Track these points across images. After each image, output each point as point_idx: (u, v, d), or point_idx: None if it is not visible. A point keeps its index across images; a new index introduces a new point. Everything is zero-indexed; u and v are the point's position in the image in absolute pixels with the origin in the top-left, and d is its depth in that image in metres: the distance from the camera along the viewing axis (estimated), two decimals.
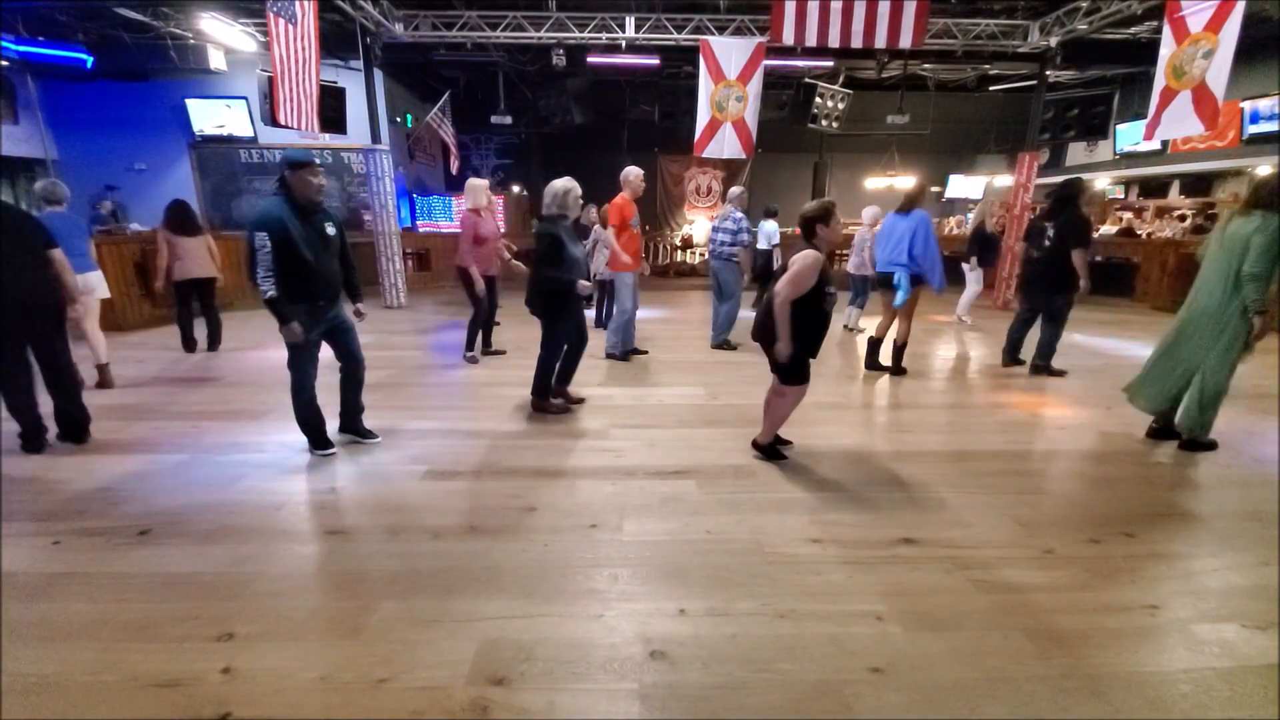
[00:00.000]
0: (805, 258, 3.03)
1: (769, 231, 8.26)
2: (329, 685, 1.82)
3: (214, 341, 6.13)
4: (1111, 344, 6.66)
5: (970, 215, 15.22)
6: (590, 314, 7.64)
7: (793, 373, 3.24)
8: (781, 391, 3.35)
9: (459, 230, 5.50)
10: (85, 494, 3.02)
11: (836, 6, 7.98)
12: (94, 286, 4.74)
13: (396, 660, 1.91)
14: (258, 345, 6.42)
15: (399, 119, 12.60)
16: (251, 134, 11.42)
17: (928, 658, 1.95)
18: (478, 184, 5.39)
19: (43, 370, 3.55)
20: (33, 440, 3.56)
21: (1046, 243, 5.02)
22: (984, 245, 7.63)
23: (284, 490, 3.09)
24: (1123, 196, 14.00)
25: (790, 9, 8.02)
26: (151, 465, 3.36)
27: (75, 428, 3.69)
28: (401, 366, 5.57)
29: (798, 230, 3.26)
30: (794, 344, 3.11)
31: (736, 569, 2.43)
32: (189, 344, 6.05)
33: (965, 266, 7.67)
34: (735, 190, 6.42)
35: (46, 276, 3.48)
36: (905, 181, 14.89)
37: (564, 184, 3.93)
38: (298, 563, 2.45)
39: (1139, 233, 11.05)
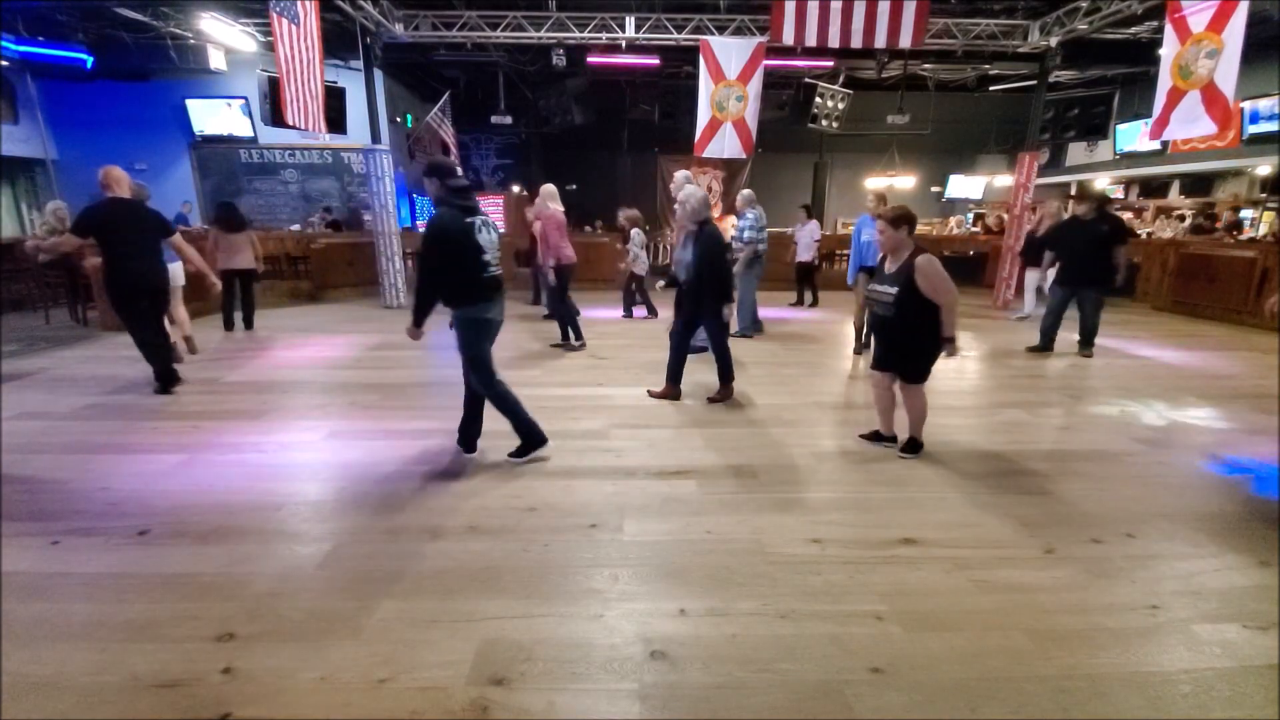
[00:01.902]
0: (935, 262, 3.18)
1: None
2: (329, 685, 1.82)
3: (248, 323, 7.10)
4: (1113, 343, 6.66)
5: (969, 215, 15.21)
6: (618, 313, 7.78)
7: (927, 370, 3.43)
8: (917, 393, 3.51)
9: (548, 228, 5.98)
10: (84, 494, 3.02)
11: (836, 6, 7.98)
12: (176, 275, 5.38)
13: (396, 660, 1.91)
14: (259, 346, 6.43)
15: (399, 119, 12.60)
16: (251, 134, 11.42)
17: (928, 658, 1.95)
18: (553, 188, 6.17)
19: (137, 333, 4.53)
20: (168, 381, 4.61)
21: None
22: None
23: (283, 490, 3.09)
24: (1123, 196, 14.00)
25: (790, 9, 8.01)
26: (151, 465, 3.36)
27: (167, 378, 4.65)
28: (402, 366, 5.57)
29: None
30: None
31: (737, 569, 2.42)
32: (228, 324, 7.04)
33: (1037, 273, 7.50)
34: (750, 193, 6.69)
35: (160, 261, 4.58)
36: (906, 181, 14.91)
37: (704, 191, 4.25)
38: (298, 563, 2.45)
39: (1139, 233, 11.05)
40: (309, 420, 4.11)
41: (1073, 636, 2.05)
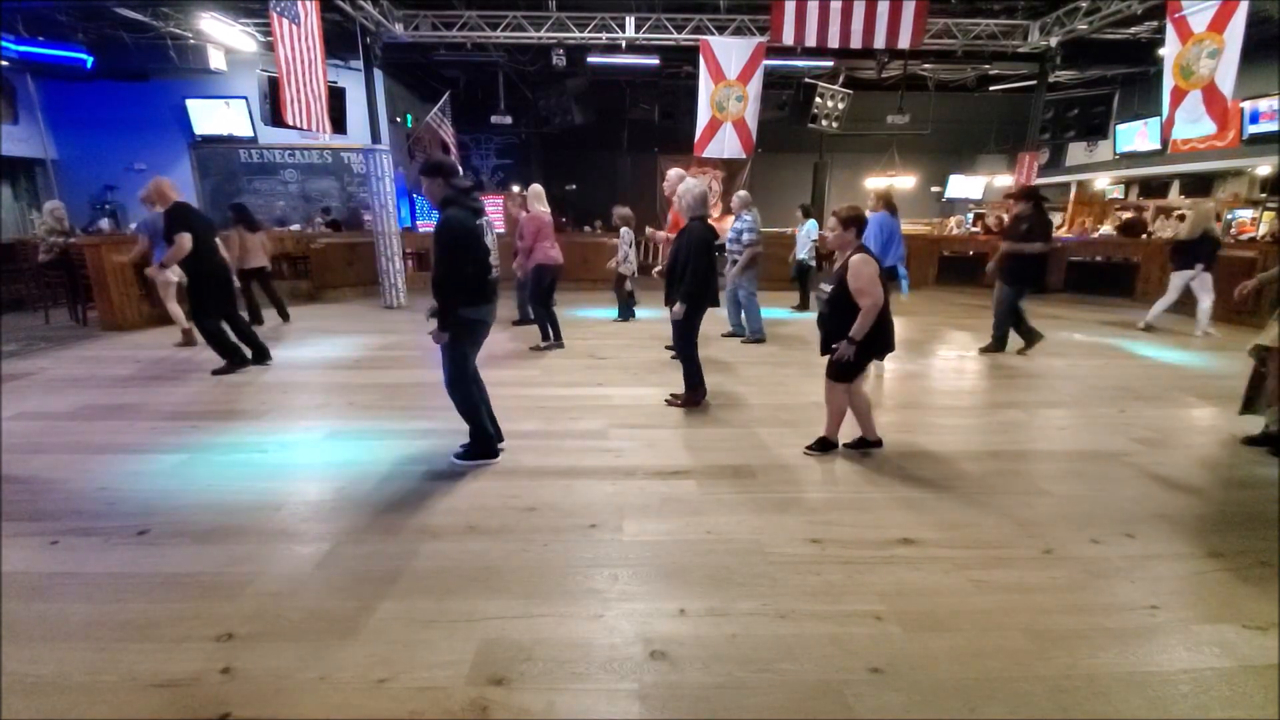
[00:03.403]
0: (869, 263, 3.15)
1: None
2: (328, 685, 1.82)
3: (284, 314, 7.58)
4: (1114, 343, 6.66)
5: (969, 215, 15.18)
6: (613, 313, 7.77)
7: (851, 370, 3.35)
8: (838, 392, 3.43)
9: (527, 228, 5.98)
10: (83, 493, 3.02)
11: (836, 6, 7.99)
12: (172, 272, 5.73)
13: (396, 660, 1.91)
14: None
15: (399, 119, 12.60)
16: (251, 134, 11.42)
17: (927, 658, 1.95)
18: (540, 190, 6.17)
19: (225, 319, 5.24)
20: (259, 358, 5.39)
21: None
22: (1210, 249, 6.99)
23: (283, 490, 3.09)
24: (1123, 197, 14.01)
25: (790, 9, 8.03)
26: (150, 465, 3.36)
27: (262, 351, 5.43)
28: (402, 366, 5.57)
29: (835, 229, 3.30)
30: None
31: (736, 569, 2.42)
32: (258, 319, 7.30)
33: (1185, 275, 6.92)
34: (746, 194, 6.67)
35: (220, 256, 5.27)
36: (906, 181, 14.91)
37: (704, 187, 4.17)
38: (297, 563, 2.45)
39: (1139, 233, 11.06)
40: (309, 420, 4.11)
41: (1071, 636, 2.05)
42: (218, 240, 5.29)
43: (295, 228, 11.05)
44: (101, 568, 2.40)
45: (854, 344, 3.17)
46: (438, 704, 1.75)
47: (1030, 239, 5.62)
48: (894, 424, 4.19)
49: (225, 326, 5.19)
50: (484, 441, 3.38)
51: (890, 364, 5.77)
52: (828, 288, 3.34)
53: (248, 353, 5.30)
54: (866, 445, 3.60)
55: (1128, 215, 11.76)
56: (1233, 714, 1.75)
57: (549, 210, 6.17)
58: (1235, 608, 2.21)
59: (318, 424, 4.03)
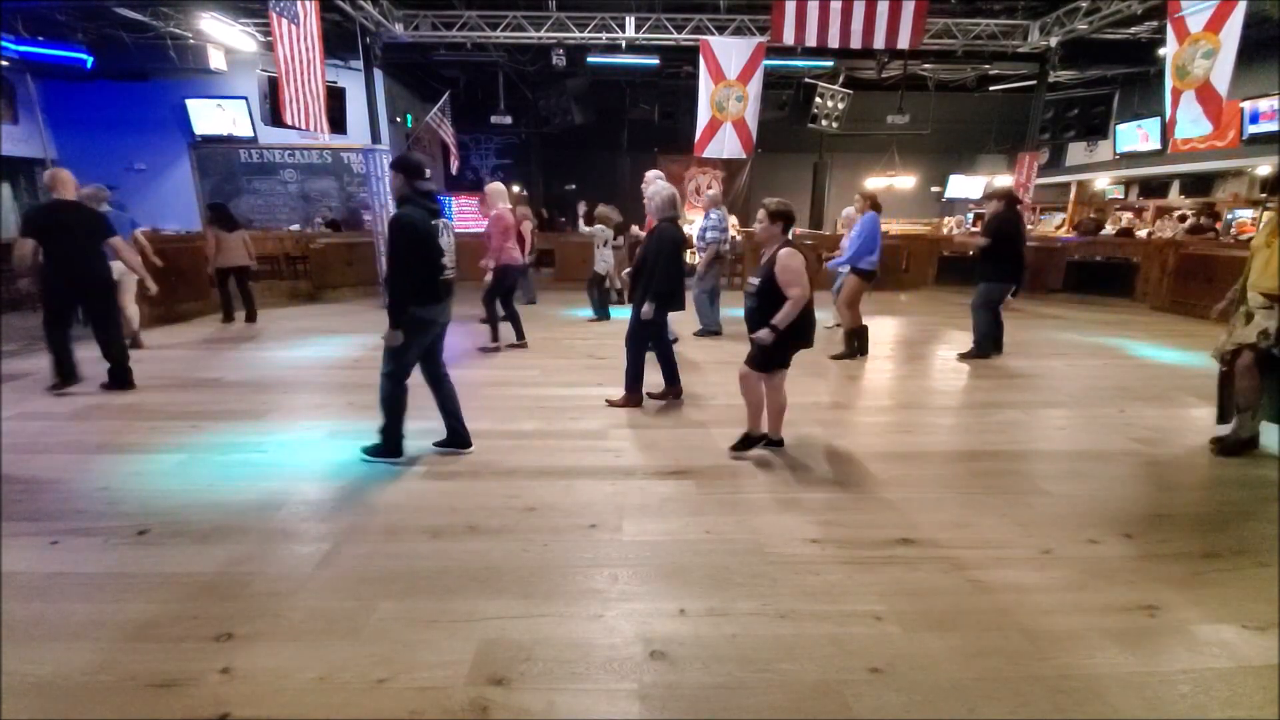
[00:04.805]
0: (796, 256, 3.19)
1: None
2: (328, 685, 1.82)
3: (251, 316, 7.46)
4: (1113, 344, 6.66)
5: (969, 215, 15.20)
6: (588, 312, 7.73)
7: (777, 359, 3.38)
8: (775, 384, 3.48)
9: (493, 229, 5.86)
10: (83, 494, 3.02)
11: (836, 6, 8.00)
12: (123, 271, 5.33)
13: (396, 660, 1.91)
14: (256, 346, 6.43)
15: (399, 119, 12.59)
16: (251, 134, 11.42)
17: (927, 658, 1.95)
18: (501, 187, 6.06)
19: (95, 332, 4.68)
20: (65, 379, 4.61)
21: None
22: None
23: (283, 490, 3.09)
24: (1123, 196, 14.01)
25: (790, 9, 8.03)
26: (150, 465, 3.36)
27: (121, 378, 4.71)
28: None
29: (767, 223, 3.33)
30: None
31: (736, 569, 2.42)
32: (228, 317, 7.45)
33: None
34: (715, 192, 6.83)
35: (103, 261, 4.60)
36: (905, 181, 14.91)
37: (673, 189, 4.32)
38: (296, 563, 2.45)
39: (1138, 233, 11.07)
40: (309, 420, 4.11)
41: (1070, 637, 2.05)
42: (113, 244, 4.66)
43: (295, 227, 11.06)
44: (101, 568, 2.40)
45: (775, 331, 3.19)
46: (438, 704, 1.75)
47: (985, 235, 5.54)
48: (893, 424, 4.19)
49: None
50: (395, 440, 3.38)
51: (889, 364, 5.79)
52: (756, 281, 3.33)
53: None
54: (751, 443, 3.57)
55: (1093, 217, 12.08)
56: (1232, 714, 1.75)
57: (510, 208, 6.10)
58: (1234, 608, 2.21)
59: (318, 424, 4.03)
